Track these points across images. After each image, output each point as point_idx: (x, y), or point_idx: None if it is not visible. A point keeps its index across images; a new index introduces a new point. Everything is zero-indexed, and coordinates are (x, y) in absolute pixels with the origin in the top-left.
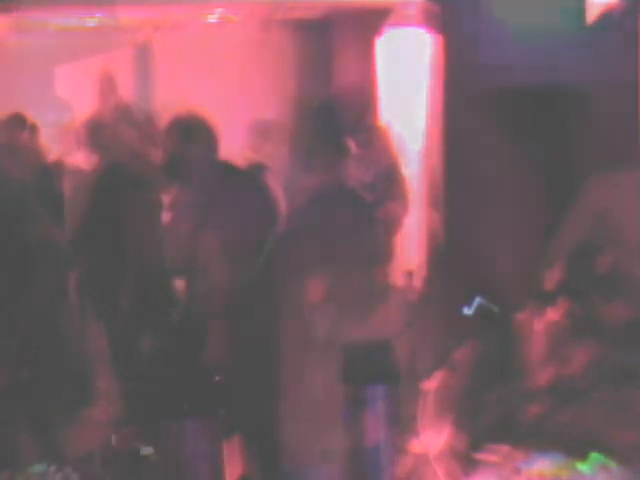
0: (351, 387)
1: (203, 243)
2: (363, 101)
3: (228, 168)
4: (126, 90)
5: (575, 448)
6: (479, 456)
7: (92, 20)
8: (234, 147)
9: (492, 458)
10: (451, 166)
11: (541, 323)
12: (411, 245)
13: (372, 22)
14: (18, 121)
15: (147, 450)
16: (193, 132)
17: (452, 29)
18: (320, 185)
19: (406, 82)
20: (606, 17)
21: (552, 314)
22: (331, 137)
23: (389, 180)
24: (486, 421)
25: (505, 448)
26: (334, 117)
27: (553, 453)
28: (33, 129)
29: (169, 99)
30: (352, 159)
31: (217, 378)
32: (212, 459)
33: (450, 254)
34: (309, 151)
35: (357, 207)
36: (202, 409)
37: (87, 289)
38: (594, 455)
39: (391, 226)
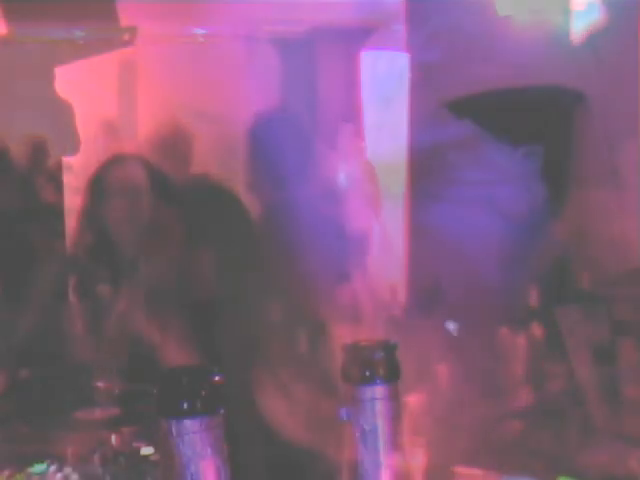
0: (351, 387)
1: (195, 260)
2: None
3: (211, 184)
4: (110, 106)
5: (549, 470)
6: (459, 470)
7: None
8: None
9: (472, 471)
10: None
11: (524, 339)
12: (394, 259)
13: (357, 39)
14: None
15: (147, 450)
16: (176, 148)
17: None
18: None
19: (390, 98)
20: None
21: (535, 330)
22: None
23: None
24: (465, 437)
25: (483, 466)
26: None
27: (526, 475)
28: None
29: (153, 115)
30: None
31: (217, 378)
32: (212, 459)
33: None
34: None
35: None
36: (202, 409)
37: (85, 289)
38: (563, 479)
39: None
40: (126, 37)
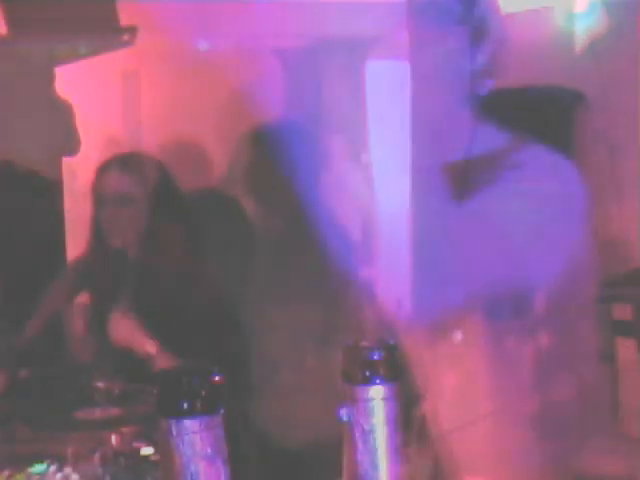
0: (351, 387)
1: (196, 262)
2: None
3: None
4: (114, 120)
5: (550, 472)
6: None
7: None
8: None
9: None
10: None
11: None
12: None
13: (361, 48)
14: None
15: (147, 450)
16: (179, 155)
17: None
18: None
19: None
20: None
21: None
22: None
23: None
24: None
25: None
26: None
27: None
28: None
29: (157, 128)
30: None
31: (217, 378)
32: (212, 459)
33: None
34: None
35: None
36: (202, 409)
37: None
38: None
39: None
40: (126, 37)
